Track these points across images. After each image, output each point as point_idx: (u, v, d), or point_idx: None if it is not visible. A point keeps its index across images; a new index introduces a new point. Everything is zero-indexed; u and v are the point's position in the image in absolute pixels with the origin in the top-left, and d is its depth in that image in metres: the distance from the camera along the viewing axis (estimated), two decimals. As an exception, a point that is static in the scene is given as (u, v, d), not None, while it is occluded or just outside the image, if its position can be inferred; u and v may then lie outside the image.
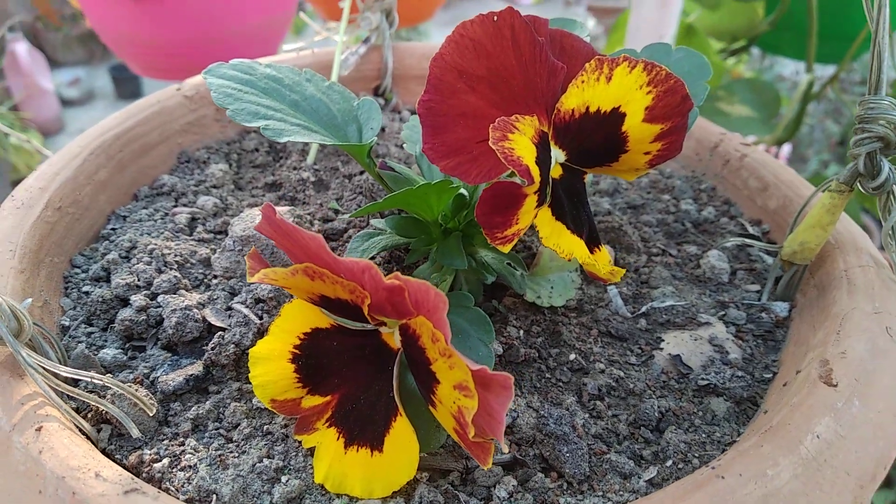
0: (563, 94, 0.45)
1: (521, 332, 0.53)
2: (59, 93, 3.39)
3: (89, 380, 0.43)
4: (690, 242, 0.63)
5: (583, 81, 0.45)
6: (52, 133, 3.21)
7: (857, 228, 0.54)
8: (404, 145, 0.64)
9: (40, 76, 3.04)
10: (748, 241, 0.58)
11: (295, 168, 0.72)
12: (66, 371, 0.43)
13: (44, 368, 0.42)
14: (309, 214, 0.65)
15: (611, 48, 1.59)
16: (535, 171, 0.40)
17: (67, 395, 0.44)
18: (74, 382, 0.46)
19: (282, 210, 0.60)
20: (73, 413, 0.43)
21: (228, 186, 0.69)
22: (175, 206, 0.66)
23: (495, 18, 0.43)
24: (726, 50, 1.60)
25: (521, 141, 0.41)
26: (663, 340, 0.53)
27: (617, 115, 0.45)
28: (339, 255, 0.60)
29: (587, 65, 0.45)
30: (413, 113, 0.83)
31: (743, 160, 0.66)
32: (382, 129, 0.78)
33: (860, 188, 0.48)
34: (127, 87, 3.52)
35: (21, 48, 2.93)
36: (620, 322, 0.54)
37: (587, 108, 0.45)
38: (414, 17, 1.78)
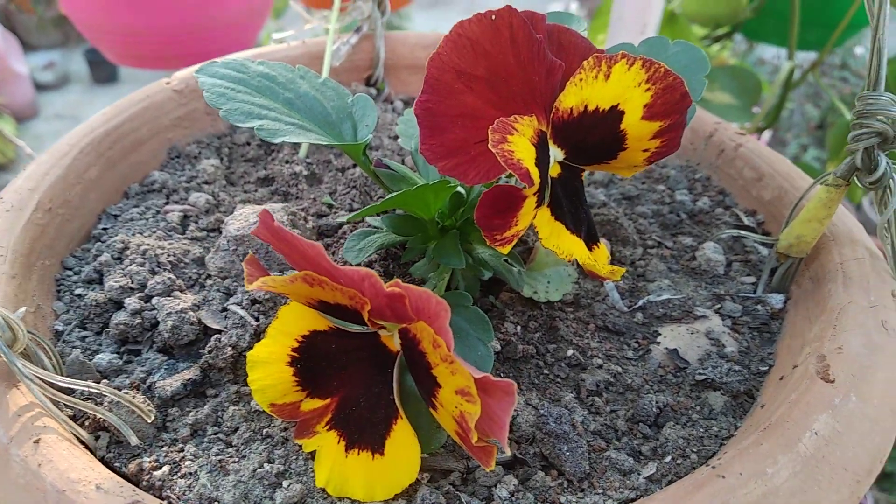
0: (561, 93, 0.45)
1: (519, 327, 0.53)
2: (34, 77, 3.32)
3: (86, 388, 0.43)
4: (686, 234, 0.63)
5: (581, 79, 0.44)
6: (26, 118, 3.14)
7: (853, 220, 0.54)
8: (399, 140, 0.63)
9: (14, 60, 2.97)
10: (743, 232, 0.58)
11: (287, 162, 0.71)
12: (62, 381, 0.42)
13: (40, 378, 0.42)
14: (302, 210, 0.65)
15: (593, 34, 1.58)
16: (535, 174, 0.40)
17: (64, 404, 0.43)
18: (71, 391, 0.46)
19: (275, 207, 0.59)
20: (71, 422, 0.42)
21: (220, 182, 0.68)
22: (167, 204, 0.65)
23: (493, 17, 0.42)
24: (710, 36, 1.59)
25: (520, 142, 0.41)
26: (660, 334, 0.53)
27: (616, 113, 0.45)
28: (335, 251, 0.60)
29: (585, 62, 0.44)
30: (406, 103, 0.82)
31: (738, 150, 0.66)
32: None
33: (856, 182, 0.48)
34: (103, 70, 3.44)
35: (-7, 32, 2.88)
36: (617, 316, 0.55)
37: (586, 106, 0.45)
38: (396, 2, 1.76)
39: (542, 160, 0.43)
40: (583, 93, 0.44)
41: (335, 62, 0.78)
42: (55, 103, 3.35)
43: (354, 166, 0.70)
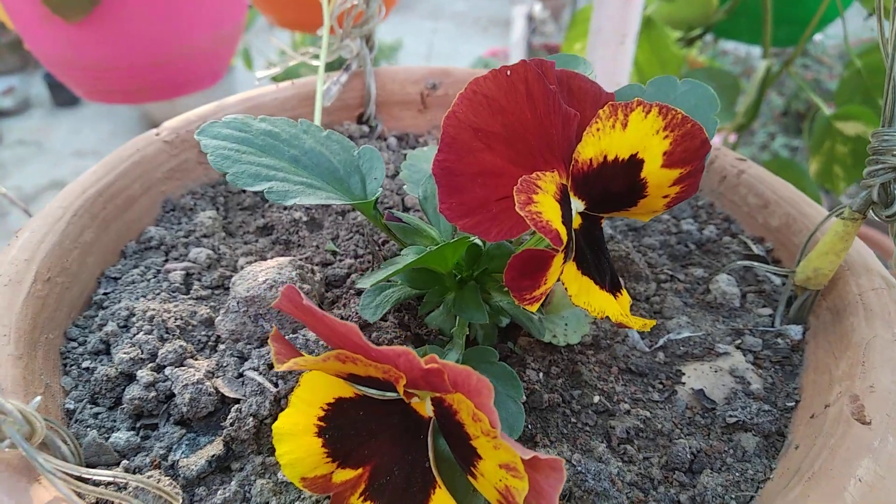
0: (578, 143, 0.44)
1: (541, 374, 0.53)
2: (-7, 103, 3.25)
3: (111, 478, 0.41)
4: (696, 265, 0.63)
5: (598, 129, 0.44)
6: (-13, 145, 3.07)
7: (866, 248, 0.54)
8: (405, 186, 0.62)
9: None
10: (755, 263, 0.58)
11: (285, 208, 0.70)
12: (85, 472, 0.41)
13: (62, 472, 0.40)
14: (307, 259, 0.64)
15: (569, 44, 1.59)
16: (564, 234, 0.40)
17: (89, 494, 0.41)
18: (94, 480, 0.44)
19: (283, 262, 0.58)
20: (98, 515, 0.41)
21: (219, 234, 0.67)
22: (166, 261, 0.63)
23: (508, 73, 0.42)
24: (683, 38, 1.61)
25: (546, 202, 0.40)
26: (684, 374, 0.53)
27: (635, 162, 0.45)
28: (345, 304, 0.59)
29: (601, 112, 0.44)
30: (399, 139, 0.81)
31: (740, 176, 0.66)
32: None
33: (873, 215, 0.48)
34: (64, 93, 3.36)
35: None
36: (639, 357, 0.54)
37: (605, 156, 0.44)
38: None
39: (566, 215, 0.42)
40: (601, 143, 0.44)
41: (326, 102, 0.76)
42: (16, 129, 3.27)
43: (355, 209, 0.69)
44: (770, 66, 1.42)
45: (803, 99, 2.91)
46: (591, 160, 0.44)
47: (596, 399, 0.51)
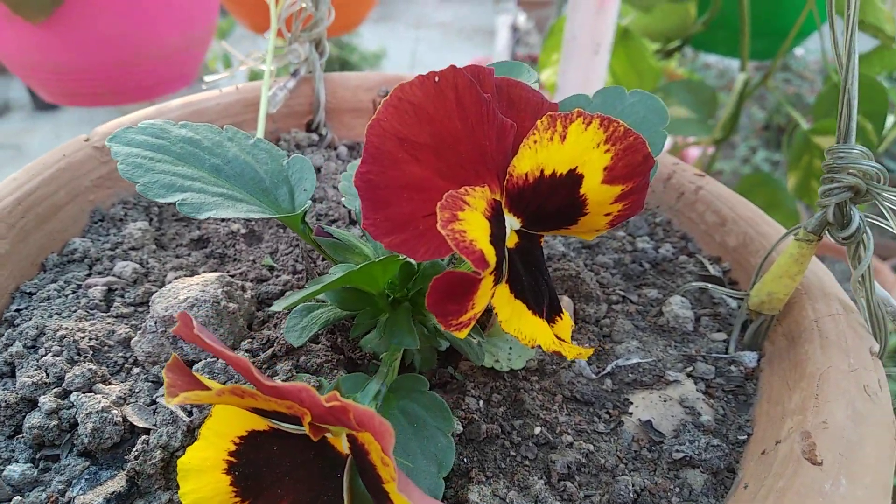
0: (514, 156, 0.41)
1: (482, 402, 0.49)
2: (-28, 107, 3.18)
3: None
4: (650, 285, 0.60)
5: (535, 142, 0.41)
6: (-34, 150, 3.00)
7: (824, 270, 0.52)
8: (343, 200, 0.59)
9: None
10: (710, 285, 0.55)
11: (223, 220, 0.66)
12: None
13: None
14: (241, 275, 0.60)
15: (546, 54, 1.57)
16: (491, 255, 0.36)
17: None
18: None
19: (209, 278, 0.54)
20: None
21: (149, 246, 0.63)
22: (89, 276, 0.59)
23: (437, 79, 0.38)
24: (661, 50, 1.60)
25: (472, 219, 0.37)
26: (632, 403, 0.50)
27: (574, 177, 0.41)
28: (275, 324, 0.55)
29: (539, 122, 0.41)
30: (350, 149, 0.78)
31: (698, 192, 0.63)
32: (318, 170, 0.73)
33: (829, 236, 0.45)
34: (44, 97, 3.32)
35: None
36: (585, 384, 0.51)
37: (542, 171, 0.41)
38: (343, 26, 1.72)
39: (497, 234, 0.39)
40: (538, 156, 0.41)
41: (272, 109, 0.73)
42: (-4, 134, 3.21)
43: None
44: (748, 79, 1.40)
45: (784, 113, 2.92)
46: (526, 174, 0.41)
47: (537, 430, 0.47)
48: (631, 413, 0.49)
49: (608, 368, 0.52)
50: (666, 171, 0.66)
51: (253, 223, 0.66)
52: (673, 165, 0.66)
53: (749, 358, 0.51)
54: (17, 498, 0.42)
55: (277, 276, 0.60)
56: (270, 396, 0.33)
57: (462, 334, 0.39)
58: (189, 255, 0.63)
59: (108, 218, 0.65)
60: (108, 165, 0.66)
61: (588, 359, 0.53)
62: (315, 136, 0.77)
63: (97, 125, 0.68)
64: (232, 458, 0.40)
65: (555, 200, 0.42)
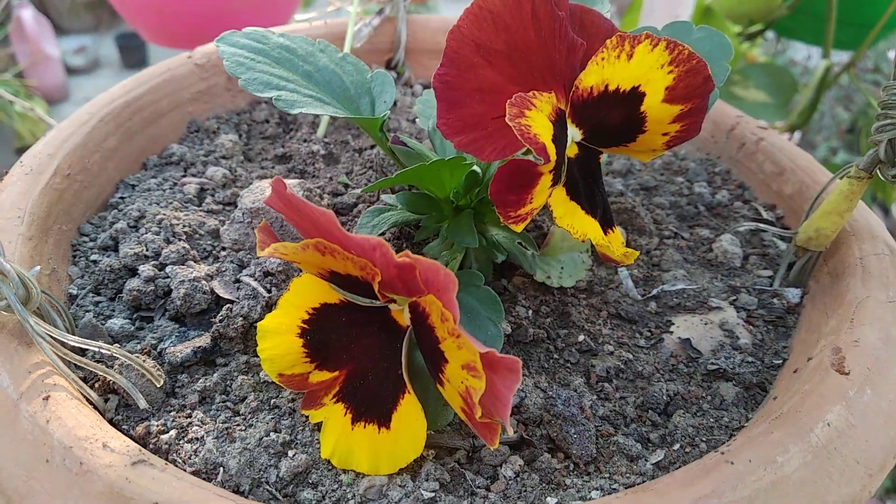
0: (581, 71, 0.44)
1: (530, 311, 0.53)
2: (65, 60, 3.35)
3: (97, 349, 0.43)
4: (703, 226, 0.62)
5: (603, 58, 0.44)
6: (56, 101, 3.18)
7: (873, 216, 0.53)
8: (417, 120, 0.63)
9: (46, 43, 3.00)
10: (762, 225, 0.57)
11: (305, 141, 0.71)
12: (73, 340, 0.42)
13: (52, 337, 0.42)
14: (318, 188, 0.65)
15: (625, 29, 1.57)
16: (552, 150, 0.40)
17: (75, 365, 0.43)
18: (82, 352, 0.46)
19: (291, 183, 0.59)
20: (81, 382, 0.43)
21: (238, 157, 0.69)
22: (184, 176, 0.65)
23: (515, -8, 0.42)
24: (743, 33, 1.58)
25: (538, 118, 0.40)
26: (673, 324, 0.52)
27: (636, 95, 0.44)
28: (348, 230, 0.60)
29: (608, 41, 0.44)
30: (426, 87, 0.82)
31: (759, 144, 0.65)
32: (394, 104, 0.77)
33: (879, 175, 0.47)
34: (133, 56, 3.48)
35: (27, 14, 2.89)
36: (630, 304, 0.54)
37: (606, 86, 0.44)
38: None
39: (559, 138, 0.42)
40: (604, 72, 0.44)
41: (356, 43, 0.78)
42: (85, 87, 3.38)
43: (372, 147, 0.70)
44: (830, 66, 1.38)
45: (871, 116, 2.81)
46: (591, 88, 0.44)
47: (581, 338, 0.51)
48: (672, 332, 0.52)
49: (654, 292, 0.55)
50: (730, 123, 0.68)
51: (332, 146, 0.71)
52: (737, 118, 0.68)
53: (793, 294, 0.53)
54: (116, 345, 0.48)
55: (351, 191, 0.65)
56: (349, 252, 0.38)
57: (518, 228, 0.42)
58: (273, 167, 0.68)
59: (202, 129, 0.71)
60: (206, 82, 0.72)
61: (635, 282, 0.56)
62: (394, 74, 0.82)
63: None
64: (305, 325, 0.45)
65: (616, 115, 0.45)
